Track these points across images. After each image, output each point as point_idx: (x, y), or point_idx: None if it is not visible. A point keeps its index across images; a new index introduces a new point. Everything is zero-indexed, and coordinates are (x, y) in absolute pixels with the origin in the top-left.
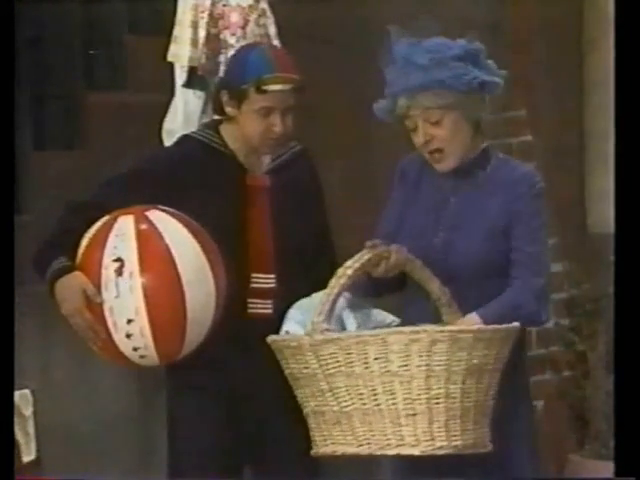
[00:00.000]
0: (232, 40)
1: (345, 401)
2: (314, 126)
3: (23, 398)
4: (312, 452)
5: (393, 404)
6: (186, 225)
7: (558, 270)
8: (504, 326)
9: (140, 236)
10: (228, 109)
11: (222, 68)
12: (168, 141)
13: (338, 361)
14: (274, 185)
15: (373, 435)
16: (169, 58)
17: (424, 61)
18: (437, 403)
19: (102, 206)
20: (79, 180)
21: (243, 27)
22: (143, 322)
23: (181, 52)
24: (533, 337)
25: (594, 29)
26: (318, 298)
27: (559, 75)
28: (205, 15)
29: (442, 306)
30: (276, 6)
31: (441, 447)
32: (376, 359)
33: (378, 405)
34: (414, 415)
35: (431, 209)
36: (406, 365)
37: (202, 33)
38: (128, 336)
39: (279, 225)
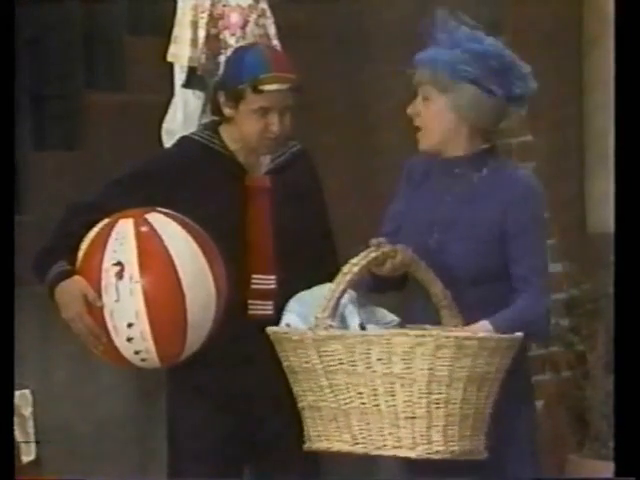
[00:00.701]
0: (232, 40)
1: (344, 398)
2: (313, 126)
3: (23, 398)
4: (305, 447)
5: (393, 405)
6: (185, 227)
7: (558, 270)
8: (508, 336)
9: (140, 239)
10: (226, 110)
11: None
12: (168, 141)
13: (340, 358)
14: (274, 186)
15: (370, 435)
16: (169, 58)
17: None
18: (437, 408)
19: (102, 209)
20: (78, 180)
21: (243, 27)
22: (144, 325)
23: (181, 52)
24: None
25: (594, 29)
26: (318, 291)
27: (559, 75)
28: (205, 15)
29: (443, 309)
30: (276, 6)
31: (438, 452)
32: (379, 360)
33: (377, 405)
34: (413, 418)
35: (428, 209)
36: (409, 368)
37: (202, 33)
38: (129, 340)
39: (279, 226)
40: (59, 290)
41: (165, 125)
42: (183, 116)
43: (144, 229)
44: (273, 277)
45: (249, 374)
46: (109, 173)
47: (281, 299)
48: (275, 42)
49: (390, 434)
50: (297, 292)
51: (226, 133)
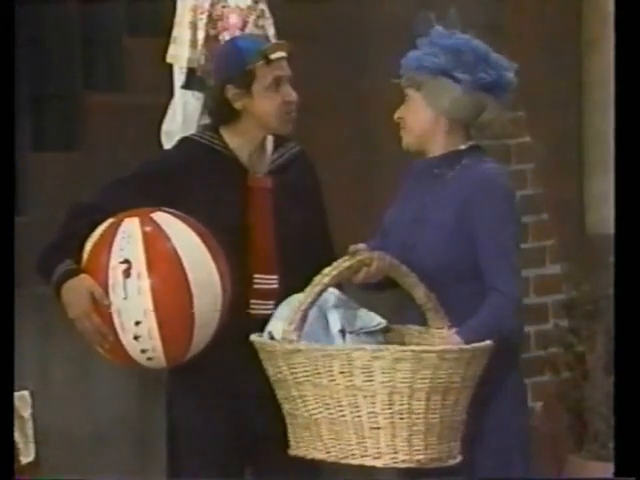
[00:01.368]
0: None
1: (313, 409)
2: (313, 126)
3: (22, 400)
4: (289, 451)
5: (357, 417)
6: (191, 226)
7: (557, 271)
8: (471, 346)
9: (146, 238)
10: (237, 103)
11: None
12: (167, 142)
13: (307, 370)
14: (275, 186)
15: (339, 444)
16: (168, 59)
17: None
18: (401, 418)
19: (105, 209)
20: (78, 181)
21: (242, 28)
22: (151, 323)
23: (180, 53)
24: (532, 338)
25: (594, 29)
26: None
27: (559, 75)
28: (204, 16)
29: (428, 311)
30: (275, 7)
31: (404, 461)
32: (341, 373)
33: (343, 416)
34: (377, 429)
35: (411, 211)
36: (370, 381)
37: (201, 34)
38: (136, 338)
39: (281, 226)
40: (65, 289)
41: (164, 126)
42: (182, 117)
43: (150, 228)
44: (275, 277)
45: (250, 374)
46: (109, 174)
47: (283, 299)
48: None
49: (357, 444)
50: (299, 292)
51: (228, 133)
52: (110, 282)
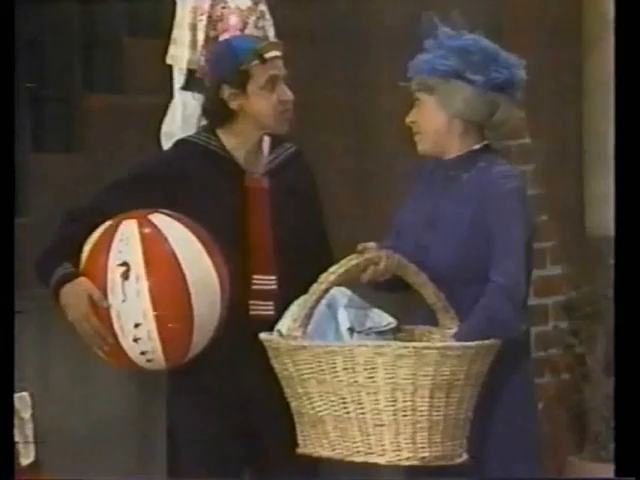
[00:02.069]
0: None
1: (319, 406)
2: (312, 127)
3: (22, 401)
4: (297, 450)
5: (362, 414)
6: (189, 227)
7: (557, 273)
8: (475, 343)
9: (145, 240)
10: (233, 103)
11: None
12: (166, 144)
13: (311, 367)
14: (273, 186)
15: (344, 441)
16: (168, 60)
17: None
18: (404, 415)
19: (102, 212)
20: (77, 182)
21: (242, 29)
22: (150, 325)
23: (180, 55)
24: (532, 340)
25: (594, 29)
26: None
27: (559, 76)
28: (204, 17)
29: (438, 311)
30: (275, 8)
31: (408, 458)
32: (344, 369)
33: (348, 413)
34: (381, 426)
35: (425, 212)
36: (372, 377)
37: (201, 36)
38: (135, 340)
39: (279, 226)
40: (64, 292)
41: (164, 128)
42: (182, 119)
43: (148, 230)
44: (274, 278)
45: (250, 375)
46: (108, 175)
47: (282, 300)
48: None
49: (361, 441)
50: (298, 292)
51: (225, 135)
52: (109, 284)
